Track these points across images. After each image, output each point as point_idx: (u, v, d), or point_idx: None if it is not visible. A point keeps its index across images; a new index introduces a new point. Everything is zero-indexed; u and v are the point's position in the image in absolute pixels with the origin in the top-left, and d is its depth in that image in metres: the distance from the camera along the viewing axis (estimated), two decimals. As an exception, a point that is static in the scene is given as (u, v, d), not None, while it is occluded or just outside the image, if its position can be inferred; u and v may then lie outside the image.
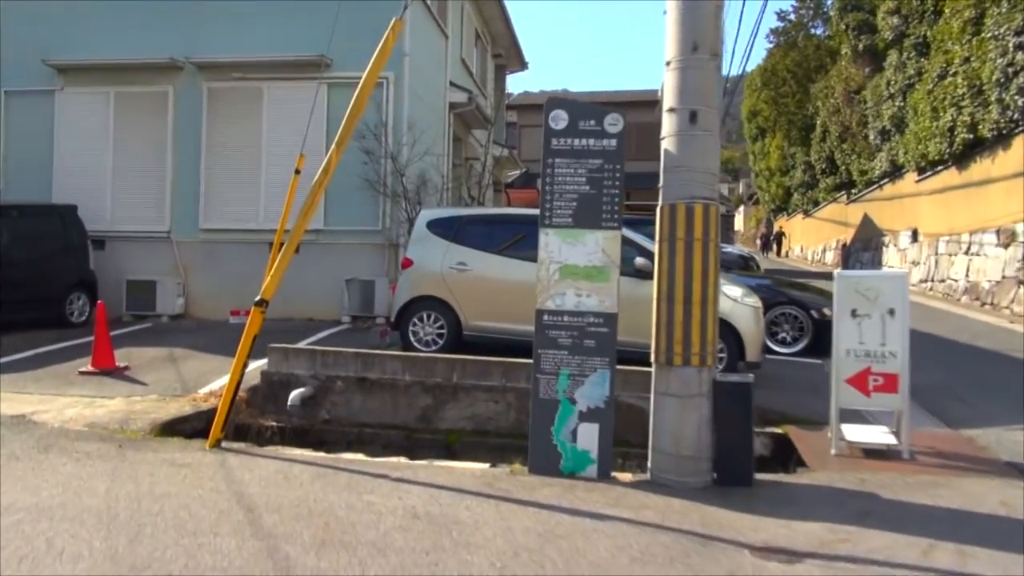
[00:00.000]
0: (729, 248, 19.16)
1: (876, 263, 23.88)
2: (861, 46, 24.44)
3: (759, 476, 4.84)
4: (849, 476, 4.84)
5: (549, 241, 5.04)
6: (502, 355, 6.97)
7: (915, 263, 20.20)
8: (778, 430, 6.00)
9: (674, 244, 4.76)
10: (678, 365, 4.73)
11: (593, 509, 4.18)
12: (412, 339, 7.96)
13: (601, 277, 4.98)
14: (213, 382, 7.43)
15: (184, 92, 12.09)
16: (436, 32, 13.91)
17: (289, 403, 6.64)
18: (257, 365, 7.41)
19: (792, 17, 35.11)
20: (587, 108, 5.08)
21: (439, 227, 8.09)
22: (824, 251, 31.65)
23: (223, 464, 4.91)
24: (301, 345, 7.91)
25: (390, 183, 11.31)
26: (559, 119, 5.07)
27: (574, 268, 5.01)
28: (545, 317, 5.04)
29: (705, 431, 4.73)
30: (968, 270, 16.60)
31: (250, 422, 6.72)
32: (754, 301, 7.51)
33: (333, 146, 5.88)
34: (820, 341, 9.43)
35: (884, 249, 23.11)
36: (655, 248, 4.94)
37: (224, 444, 5.45)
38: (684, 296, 4.72)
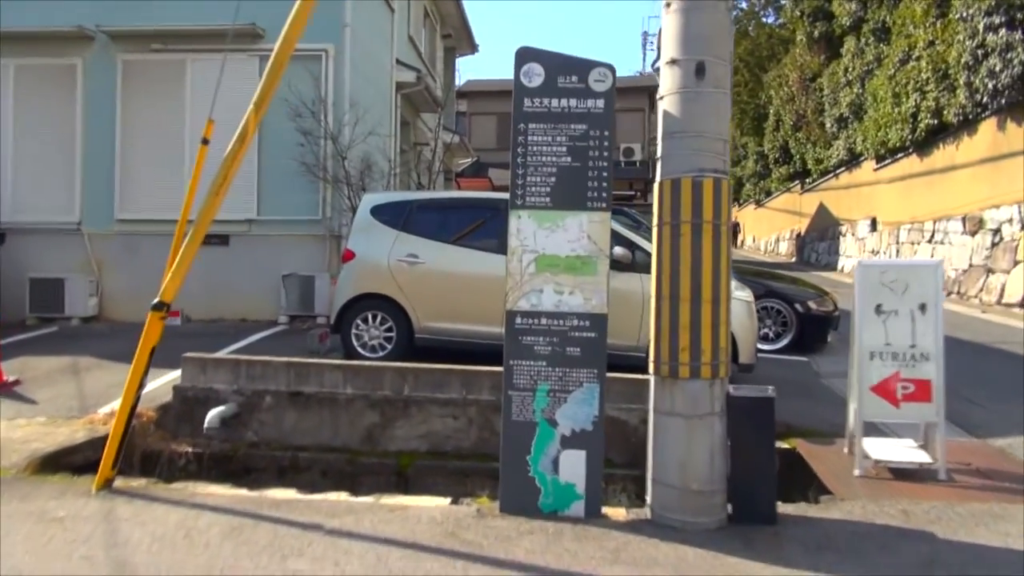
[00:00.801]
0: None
1: (833, 252, 23.61)
2: (817, 33, 24.08)
3: (780, 508, 3.98)
4: (888, 507, 4.01)
5: (522, 226, 4.08)
6: (461, 362, 5.99)
7: (875, 252, 19.88)
8: (785, 445, 5.16)
9: (678, 229, 3.84)
10: (685, 378, 3.82)
11: (590, 570, 3.24)
12: (355, 344, 6.90)
13: (587, 270, 4.04)
14: (118, 398, 6.25)
15: (95, 65, 10.73)
16: (381, 4, 12.79)
17: (207, 424, 5.55)
18: (170, 378, 6.28)
19: (744, 5, 34.78)
20: (568, 61, 4.12)
21: (386, 213, 7.02)
22: (777, 241, 31.43)
23: (109, 516, 3.82)
24: (223, 354, 6.78)
25: (331, 167, 10.19)
26: (533, 75, 4.10)
27: (553, 259, 4.05)
28: (517, 320, 4.08)
29: (719, 458, 3.83)
30: (932, 258, 16.20)
31: (160, 448, 5.61)
32: (746, 295, 6.68)
33: (250, 108, 4.80)
34: (805, 336, 8.69)
35: (841, 238, 22.82)
36: (653, 234, 4.02)
37: (118, 483, 4.36)
38: (691, 293, 3.81)
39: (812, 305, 8.64)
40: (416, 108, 15.38)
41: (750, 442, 3.86)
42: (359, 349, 6.88)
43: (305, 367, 5.84)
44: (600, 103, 4.06)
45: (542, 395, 4.05)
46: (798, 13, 25.43)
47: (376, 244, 6.90)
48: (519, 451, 4.06)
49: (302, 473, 5.57)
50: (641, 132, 33.21)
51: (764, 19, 34.60)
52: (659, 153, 4.01)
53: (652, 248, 4.01)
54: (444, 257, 6.79)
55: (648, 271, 6.49)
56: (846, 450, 5.00)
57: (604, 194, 4.06)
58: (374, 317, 6.87)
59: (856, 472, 4.57)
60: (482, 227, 6.88)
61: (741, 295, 6.52)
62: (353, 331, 6.87)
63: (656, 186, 3.99)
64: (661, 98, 3.99)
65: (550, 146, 4.08)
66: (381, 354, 6.84)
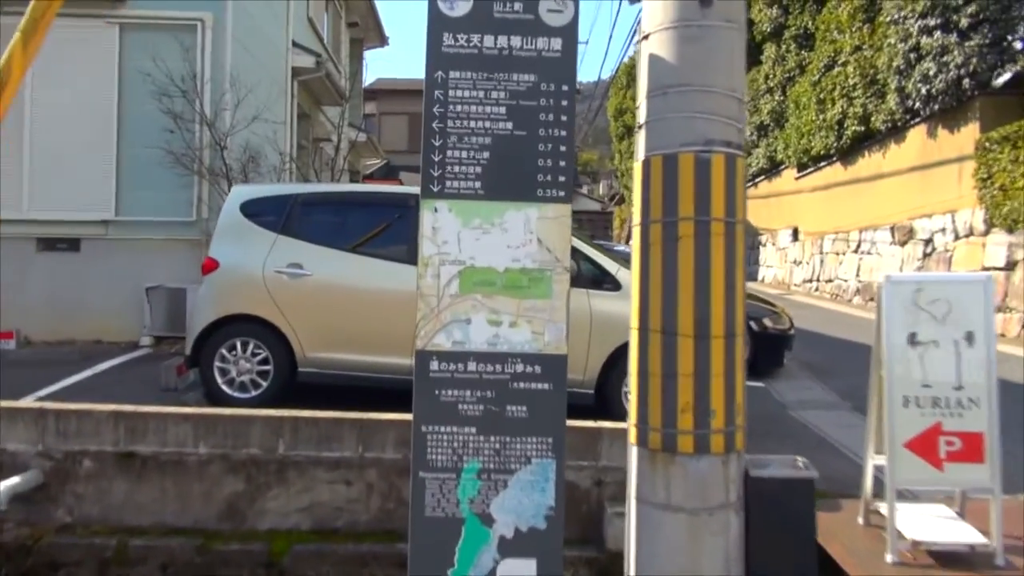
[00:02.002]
0: (621, 247, 17.54)
1: (753, 262, 23.23)
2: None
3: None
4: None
5: (439, 224, 2.72)
6: (359, 406, 4.57)
7: (797, 262, 19.48)
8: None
9: (674, 230, 2.57)
10: (687, 453, 2.54)
11: None
12: (219, 381, 5.30)
13: (537, 290, 2.72)
14: None
15: (-91, 30, 8.70)
16: (274, -23, 11.17)
17: (-7, 502, 3.93)
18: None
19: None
20: (509, -19, 2.79)
21: (261, 211, 5.45)
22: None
23: None
24: (25, 401, 5.05)
25: (207, 158, 8.53)
26: (456, -1, 2.75)
27: (486, 274, 2.71)
28: (433, 365, 2.71)
29: (736, 569, 2.57)
30: (859, 269, 15.78)
31: (-79, 538, 3.94)
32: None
33: (16, 36, 3.28)
34: (759, 359, 7.64)
35: (761, 248, 22.43)
36: (634, 238, 2.74)
37: None
38: (696, 326, 2.54)
39: (767, 323, 7.61)
40: (317, 99, 13.77)
41: (780, 546, 2.62)
42: (224, 388, 5.29)
43: (141, 418, 4.27)
44: (557, 43, 2.75)
45: (470, 478, 2.70)
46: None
47: (248, 251, 5.31)
48: (435, 562, 2.69)
49: (134, 568, 4.02)
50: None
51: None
52: (641, 118, 2.73)
53: (633, 258, 2.72)
54: (338, 268, 5.28)
55: (596, 284, 5.32)
56: (861, 519, 3.86)
57: (563, 177, 2.75)
58: (244, 346, 5.29)
59: (888, 558, 3.41)
60: (389, 230, 5.45)
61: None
62: (216, 364, 5.27)
63: (637, 167, 2.71)
64: (646, 37, 2.71)
65: (482, 105, 2.74)
66: (254, 394, 5.28)
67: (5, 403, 4.36)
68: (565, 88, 2.74)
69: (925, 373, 3.47)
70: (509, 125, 2.74)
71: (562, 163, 2.74)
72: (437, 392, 2.71)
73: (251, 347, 5.27)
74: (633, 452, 2.69)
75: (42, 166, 8.53)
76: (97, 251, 8.69)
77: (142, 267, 8.56)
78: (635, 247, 2.71)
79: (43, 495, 4.22)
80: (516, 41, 2.73)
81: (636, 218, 2.71)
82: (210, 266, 5.37)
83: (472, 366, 2.71)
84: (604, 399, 5.06)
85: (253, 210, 5.42)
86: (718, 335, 2.55)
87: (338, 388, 5.36)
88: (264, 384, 5.26)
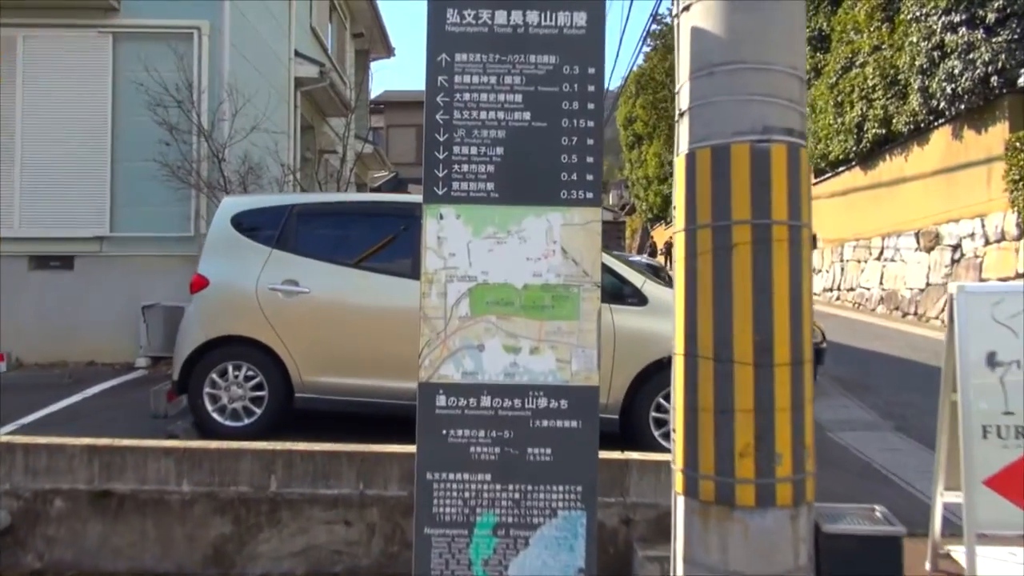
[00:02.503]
0: (636, 257, 17.06)
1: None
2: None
3: None
4: None
5: (446, 234, 2.30)
6: (360, 437, 4.14)
7: (816, 271, 18.96)
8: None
9: (727, 236, 2.13)
10: (747, 507, 2.09)
11: None
12: (209, 408, 4.86)
13: (563, 310, 2.29)
14: None
15: (-102, 42, 8.41)
16: (274, -16, 10.85)
17: (-48, 551, 3.51)
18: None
19: (668, 20, 34.10)
20: (523, -53, 2.38)
21: (254, 224, 5.01)
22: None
23: None
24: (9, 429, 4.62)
25: (205, 171, 8.15)
26: (463, -31, 2.34)
27: (502, 291, 2.29)
28: (439, 400, 2.29)
29: (807, 649, 2.12)
30: (882, 277, 15.26)
31: None
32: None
33: None
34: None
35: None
36: (677, 245, 2.30)
37: None
38: (756, 352, 2.10)
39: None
40: (321, 110, 13.43)
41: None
42: (215, 416, 4.85)
43: (118, 453, 3.85)
44: (581, 19, 2.34)
45: (484, 535, 2.27)
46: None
47: (240, 266, 4.89)
48: (445, 635, 2.25)
49: (109, 621, 3.59)
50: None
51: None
52: (683, 104, 2.30)
53: (677, 271, 2.29)
54: (338, 284, 4.84)
55: (620, 299, 4.85)
56: (928, 564, 3.38)
57: (591, 176, 2.32)
58: (236, 370, 4.86)
59: (969, 614, 2.94)
60: (394, 242, 5.02)
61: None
62: (206, 390, 4.84)
63: (679, 162, 2.29)
64: (686, 8, 2.29)
65: (494, 93, 2.32)
66: (247, 422, 4.84)
67: (-31, 439, 3.95)
68: (592, 71, 2.33)
69: (1008, 399, 3.01)
70: (526, 115, 2.32)
71: (589, 159, 2.32)
72: (444, 432, 2.28)
73: (244, 371, 4.83)
74: (679, 504, 2.25)
75: (34, 181, 8.19)
76: (91, 269, 8.31)
77: (138, 285, 8.16)
78: (679, 257, 2.28)
79: (10, 539, 3.80)
80: (533, 17, 2.32)
81: (679, 222, 2.28)
82: (199, 284, 4.95)
83: (486, 401, 2.28)
84: (629, 425, 4.61)
85: (245, 223, 5.00)
86: (783, 362, 2.11)
87: (338, 416, 4.92)
88: (258, 411, 4.82)
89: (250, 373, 4.82)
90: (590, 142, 2.31)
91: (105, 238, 8.28)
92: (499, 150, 2.31)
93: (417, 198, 5.01)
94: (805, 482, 2.14)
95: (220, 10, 8.49)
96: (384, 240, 5.07)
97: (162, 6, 8.29)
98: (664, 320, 4.52)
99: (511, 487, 2.27)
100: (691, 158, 2.22)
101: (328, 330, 4.75)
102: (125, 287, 8.19)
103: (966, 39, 11.58)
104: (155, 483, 3.84)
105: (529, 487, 2.27)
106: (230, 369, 4.82)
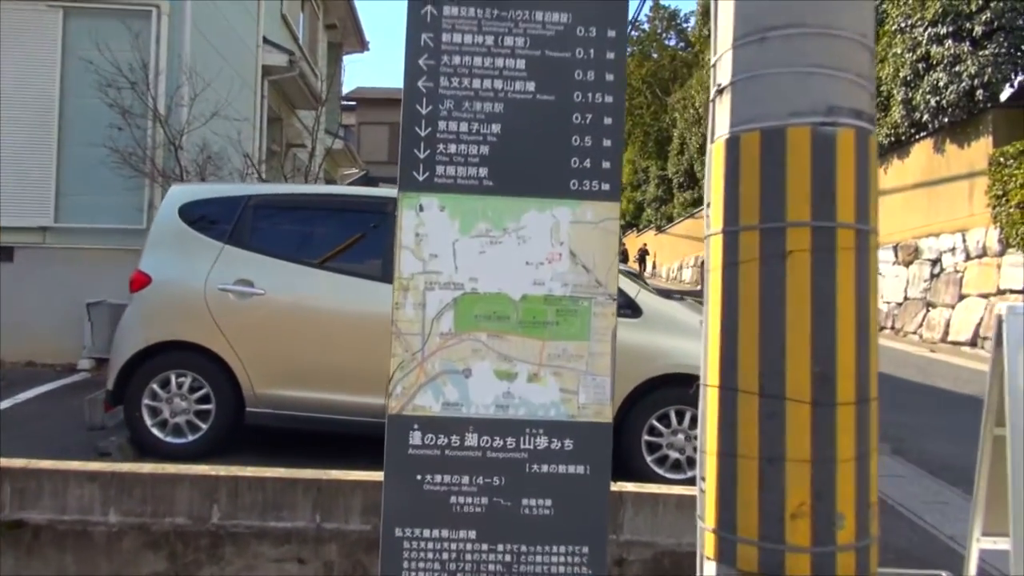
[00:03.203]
0: (624, 267, 16.64)
1: (743, 281, 22.57)
2: (726, 53, 23.30)
3: None
4: None
5: (427, 230, 1.85)
6: (318, 458, 3.66)
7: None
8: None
9: (779, 241, 1.70)
10: (800, 581, 1.67)
11: None
12: (149, 423, 4.27)
13: (569, 326, 1.85)
14: None
15: None
16: (242, -33, 10.29)
17: None
18: None
19: (646, 27, 34.04)
20: None
21: (205, 216, 4.44)
22: (680, 268, 30.44)
23: None
24: None
25: (160, 159, 7.57)
26: (455, -99, 1.88)
27: (496, 303, 1.84)
28: (413, 438, 1.83)
29: None
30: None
31: None
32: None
33: None
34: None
35: (752, 267, 21.79)
36: (708, 254, 1.88)
37: None
38: (816, 387, 1.67)
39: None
40: (290, 102, 12.87)
41: None
42: (155, 431, 4.29)
43: (33, 477, 3.31)
44: (600, -31, 1.90)
45: (467, 609, 1.80)
46: (706, 33, 24.62)
47: (187, 263, 4.34)
48: None
49: (14, 676, 3.06)
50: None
51: (667, 42, 33.97)
52: (723, 78, 1.87)
53: (709, 283, 1.86)
54: (298, 286, 4.32)
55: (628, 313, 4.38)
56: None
57: (607, 163, 1.89)
58: (180, 380, 4.34)
59: None
60: (363, 241, 4.53)
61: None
62: (145, 401, 4.27)
63: (716, 149, 1.86)
64: (731, -37, 1.86)
65: (490, 57, 1.87)
66: (191, 439, 4.30)
67: None
68: (612, 34, 1.89)
69: (1065, 437, 2.63)
70: (530, 86, 1.88)
71: (607, 142, 1.88)
72: (419, 478, 1.82)
73: (188, 382, 4.29)
74: (710, 571, 1.81)
75: (-28, 165, 7.54)
76: (33, 261, 7.69)
77: (83, 280, 7.56)
78: (713, 266, 1.85)
79: (-98, 578, 3.25)
80: (541, -35, 1.87)
81: (714, 223, 1.85)
82: (140, 281, 4.40)
83: (472, 439, 1.83)
84: (620, 450, 4.19)
85: (195, 214, 4.45)
86: (847, 400, 1.69)
87: (294, 434, 4.42)
88: (204, 427, 4.28)
89: (195, 384, 4.29)
90: (608, 121, 1.88)
91: (48, 228, 7.65)
92: (495, 127, 1.86)
93: (388, 192, 4.54)
94: (869, 549, 1.72)
95: (181, -12, 7.92)
96: (352, 238, 4.59)
97: (119, -19, 7.71)
98: (660, 334, 4.13)
99: (501, 547, 1.82)
100: (733, 144, 1.80)
101: (285, 337, 4.24)
102: (69, 282, 7.58)
103: (952, 51, 11.42)
104: (77, 512, 3.31)
105: (523, 547, 1.82)
106: (173, 379, 4.28)
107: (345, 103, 25.01)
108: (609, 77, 1.88)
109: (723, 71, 1.87)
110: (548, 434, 1.83)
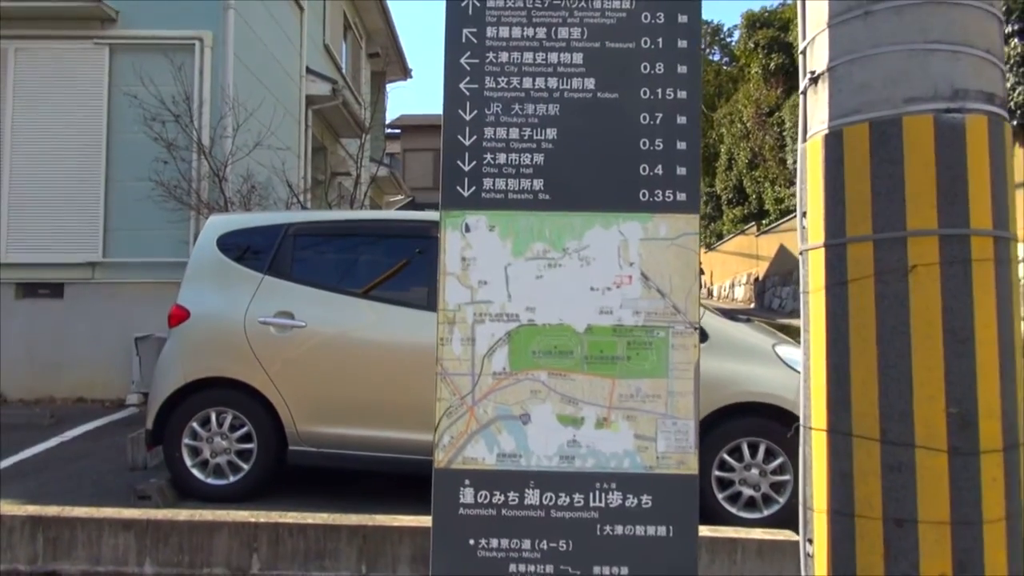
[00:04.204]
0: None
1: (799, 298, 21.84)
2: (773, 65, 22.73)
3: None
4: None
5: (475, 253, 1.59)
6: (364, 499, 3.43)
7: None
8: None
9: (898, 256, 1.40)
10: (944, 674, 1.34)
11: None
12: (189, 463, 4.09)
13: (643, 361, 1.57)
14: None
15: None
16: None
17: None
18: None
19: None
20: None
21: (243, 246, 4.25)
22: (732, 286, 29.70)
23: None
24: None
25: (205, 190, 7.54)
26: None
27: (558, 335, 1.57)
28: (464, 495, 1.56)
29: None
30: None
31: None
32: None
33: None
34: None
35: (809, 283, 21.04)
36: (805, 271, 1.58)
37: None
38: (952, 432, 1.36)
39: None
40: (334, 130, 12.88)
41: None
42: (195, 472, 4.10)
43: (67, 525, 3.14)
44: (668, -54, 1.64)
45: None
46: (752, 46, 24.13)
47: (226, 296, 4.16)
48: None
49: None
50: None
51: (710, 57, 33.55)
52: (818, 64, 1.59)
53: (809, 307, 1.57)
54: (340, 317, 4.10)
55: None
56: None
57: (683, 169, 1.61)
58: (221, 418, 4.17)
59: None
60: (409, 268, 4.32)
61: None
62: (185, 441, 4.10)
63: (812, 147, 1.57)
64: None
65: (543, 52, 1.63)
66: (232, 480, 4.10)
67: None
68: (684, 18, 1.63)
69: None
70: (590, 83, 1.62)
71: (681, 145, 1.61)
72: (472, 542, 1.56)
73: (229, 420, 4.11)
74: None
75: (23, 203, 7.60)
76: (82, 297, 7.68)
77: (132, 314, 7.52)
78: (813, 287, 1.56)
79: (-66, 634, 3.09)
80: (599, -57, 1.63)
81: (811, 236, 1.56)
82: (178, 316, 4.24)
83: (533, 496, 1.56)
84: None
85: (233, 244, 4.28)
86: (993, 446, 1.37)
87: (339, 474, 4.20)
88: (245, 467, 4.08)
89: (236, 422, 4.10)
90: (682, 120, 1.61)
91: (97, 264, 7.65)
92: (550, 132, 1.61)
93: (435, 215, 4.32)
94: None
95: (223, 20, 7.93)
96: (396, 265, 4.37)
97: (162, 16, 7.75)
98: (729, 360, 3.80)
99: (569, 626, 1.54)
100: (834, 140, 1.51)
101: (328, 371, 4.03)
102: (117, 317, 7.55)
103: (1020, 51, 10.84)
104: (111, 563, 3.13)
105: (596, 625, 1.54)
106: (213, 417, 4.10)
107: (389, 131, 25.21)
108: (681, 69, 1.62)
109: (817, 56, 1.59)
110: (622, 489, 1.55)
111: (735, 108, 26.55)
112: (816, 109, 1.60)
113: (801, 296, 1.63)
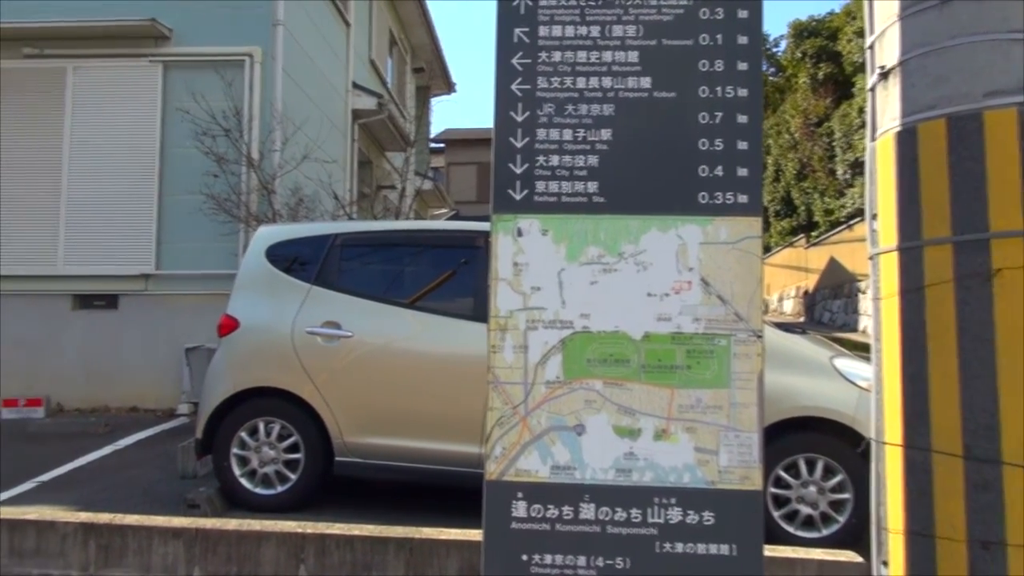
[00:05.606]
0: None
1: (851, 311, 21.28)
2: (822, 74, 22.34)
3: None
4: None
5: (527, 258, 1.54)
6: (411, 512, 3.39)
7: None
8: None
9: (980, 260, 1.31)
10: None
11: None
12: (237, 473, 4.11)
13: (704, 371, 1.50)
14: None
15: (-50, 77, 8.23)
16: (332, 14, 10.49)
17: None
18: None
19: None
20: None
21: (291, 256, 4.29)
22: (781, 299, 29.16)
23: None
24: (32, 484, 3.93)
25: (254, 203, 7.65)
26: None
27: (614, 343, 1.51)
28: (516, 508, 1.51)
29: None
30: None
31: None
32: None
33: None
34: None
35: (861, 295, 20.51)
36: (876, 276, 1.49)
37: None
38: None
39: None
40: (380, 144, 13.00)
41: None
42: (243, 481, 4.12)
43: (117, 533, 3.17)
44: (727, -62, 1.58)
45: None
46: (799, 55, 23.77)
47: (273, 306, 4.19)
48: None
49: None
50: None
51: (756, 67, 33.18)
52: (888, 58, 1.51)
53: (882, 312, 1.48)
54: (387, 327, 4.08)
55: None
56: None
57: (744, 170, 1.55)
58: (268, 428, 4.17)
59: None
60: (455, 278, 4.30)
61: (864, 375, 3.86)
62: (233, 451, 4.12)
63: (882, 146, 1.49)
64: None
65: (597, 51, 1.58)
66: (280, 489, 4.10)
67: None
68: (744, 14, 1.57)
69: None
70: (646, 82, 1.57)
71: (742, 144, 1.54)
72: (525, 558, 1.50)
73: (277, 430, 4.12)
74: None
75: (79, 217, 7.81)
76: (136, 308, 7.85)
77: (183, 326, 7.65)
78: (885, 293, 1.47)
79: (-10, 638, 3.15)
80: (656, -64, 1.57)
81: (883, 239, 1.48)
82: (228, 326, 4.28)
83: (588, 511, 1.49)
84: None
85: (281, 255, 4.31)
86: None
87: (386, 486, 4.18)
88: (293, 477, 4.08)
89: (284, 432, 4.11)
90: (743, 119, 1.54)
91: (150, 276, 7.81)
92: (605, 133, 1.56)
93: (480, 226, 4.29)
94: None
95: (272, 36, 8.08)
96: (443, 275, 4.35)
97: (213, 33, 7.93)
98: (785, 373, 3.66)
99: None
100: (908, 137, 1.43)
101: (375, 382, 4.01)
102: (169, 328, 7.70)
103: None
104: (161, 571, 3.14)
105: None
106: (261, 427, 4.12)
107: (434, 144, 25.42)
108: (742, 66, 1.55)
109: (887, 50, 1.51)
110: (682, 505, 1.48)
111: (782, 119, 26.12)
112: (887, 105, 1.51)
113: (871, 303, 1.54)
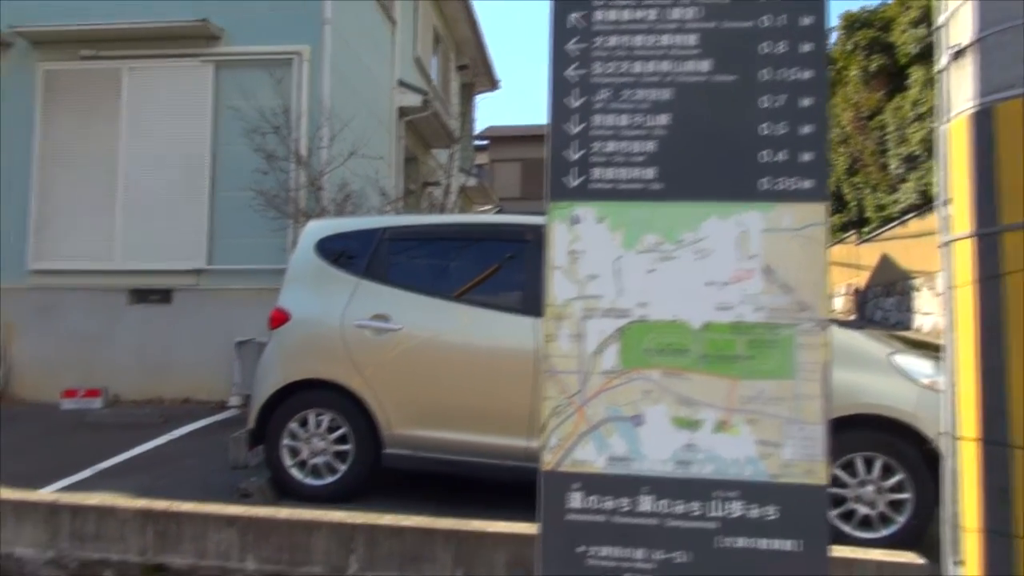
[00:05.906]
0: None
1: (904, 309, 20.71)
2: (874, 67, 21.77)
3: None
4: None
5: (583, 246, 1.52)
6: (459, 504, 3.40)
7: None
8: None
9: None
10: None
11: None
12: (287, 463, 4.19)
13: (767, 361, 1.46)
14: None
15: (11, 77, 8.51)
16: (378, 12, 10.58)
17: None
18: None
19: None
20: None
21: (340, 250, 4.34)
22: (831, 297, 28.58)
23: None
24: (41, 494, 3.99)
25: (302, 199, 7.76)
26: None
27: (672, 332, 1.48)
28: (572, 499, 1.48)
29: None
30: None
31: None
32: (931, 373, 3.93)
33: None
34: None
35: (915, 293, 19.92)
36: (949, 262, 1.43)
37: None
38: None
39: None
40: (425, 141, 13.08)
41: None
42: (294, 472, 4.19)
43: (174, 520, 3.24)
44: (791, -84, 1.53)
45: None
46: (851, 47, 23.19)
47: (323, 299, 4.24)
48: None
49: None
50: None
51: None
52: (962, 36, 1.44)
53: (954, 301, 1.42)
54: (436, 320, 4.11)
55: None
56: None
57: (809, 155, 1.50)
58: (318, 419, 4.21)
59: None
60: (503, 271, 4.28)
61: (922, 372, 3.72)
62: (284, 442, 4.19)
63: (955, 128, 1.43)
64: None
65: (655, 35, 1.55)
66: (329, 480, 4.15)
67: (13, 494, 3.44)
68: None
69: None
70: (705, 65, 1.53)
71: (806, 128, 1.50)
72: (581, 549, 1.48)
73: (327, 421, 4.18)
74: None
75: (135, 213, 8.02)
76: (188, 303, 8.03)
77: (234, 319, 7.80)
78: (959, 281, 1.41)
79: (54, 620, 3.24)
80: (717, -84, 1.53)
81: (958, 226, 1.42)
82: (279, 318, 4.35)
83: (646, 503, 1.47)
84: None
85: (331, 249, 4.36)
86: None
87: (434, 478, 4.20)
88: (342, 468, 4.13)
89: (334, 424, 4.15)
90: (807, 103, 1.50)
91: (202, 271, 7.99)
92: (663, 119, 1.52)
93: (528, 219, 4.27)
94: None
95: (321, 35, 8.17)
96: (491, 268, 4.35)
97: (263, 32, 8.07)
98: (841, 369, 3.52)
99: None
100: (984, 118, 1.37)
101: (423, 374, 4.03)
102: (221, 322, 7.85)
103: None
104: (215, 558, 3.20)
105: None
106: (311, 418, 4.17)
107: (478, 141, 25.49)
108: (806, 47, 1.50)
109: (960, 28, 1.45)
110: (744, 499, 1.44)
111: (832, 112, 25.55)
112: (960, 86, 1.45)
113: (944, 292, 1.48)
